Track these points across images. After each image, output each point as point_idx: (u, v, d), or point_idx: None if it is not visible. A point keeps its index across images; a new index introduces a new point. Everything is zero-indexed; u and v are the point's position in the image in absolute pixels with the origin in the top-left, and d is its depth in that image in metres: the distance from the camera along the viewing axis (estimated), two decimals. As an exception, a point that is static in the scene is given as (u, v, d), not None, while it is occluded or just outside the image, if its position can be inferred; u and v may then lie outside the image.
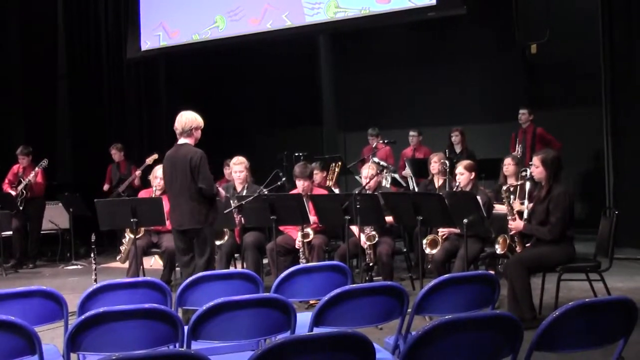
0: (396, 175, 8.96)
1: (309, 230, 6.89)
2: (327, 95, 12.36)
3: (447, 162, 7.63)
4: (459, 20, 9.48)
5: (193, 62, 12.32)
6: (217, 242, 7.02)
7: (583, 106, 9.91)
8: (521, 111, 9.12)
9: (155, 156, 9.64)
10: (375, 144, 9.70)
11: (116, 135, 11.81)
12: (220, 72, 12.24)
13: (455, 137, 9.38)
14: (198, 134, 5.79)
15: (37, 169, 9.56)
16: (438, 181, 7.73)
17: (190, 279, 4.11)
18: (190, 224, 5.67)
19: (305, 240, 6.84)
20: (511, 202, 6.01)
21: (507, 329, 2.80)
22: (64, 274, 9.30)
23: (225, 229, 7.07)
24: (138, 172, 10.08)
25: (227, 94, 12.26)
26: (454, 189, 6.68)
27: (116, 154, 10.64)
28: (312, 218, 6.79)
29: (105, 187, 10.53)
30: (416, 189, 8.38)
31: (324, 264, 4.92)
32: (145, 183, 9.20)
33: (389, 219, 6.63)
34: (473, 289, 3.74)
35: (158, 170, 7.50)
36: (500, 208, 6.38)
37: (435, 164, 7.72)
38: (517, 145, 9.06)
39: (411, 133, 9.82)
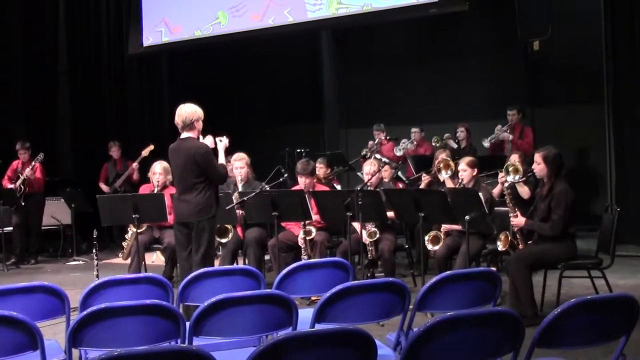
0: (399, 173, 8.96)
1: (311, 227, 6.90)
2: (329, 92, 12.35)
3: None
4: (461, 16, 9.46)
5: (195, 58, 12.32)
6: (223, 240, 7.02)
7: (585, 103, 9.89)
8: (509, 112, 9.11)
9: (151, 147, 9.64)
10: (377, 139, 9.70)
11: (118, 132, 11.81)
12: (222, 68, 12.23)
13: (461, 133, 9.37)
14: (199, 125, 5.77)
15: (34, 163, 9.55)
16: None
17: (192, 275, 4.11)
18: (192, 217, 5.67)
19: (307, 238, 6.84)
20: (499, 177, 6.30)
21: (508, 326, 2.80)
22: (66, 269, 9.32)
23: (229, 226, 7.05)
24: (135, 165, 10.08)
25: (229, 90, 12.25)
26: (457, 186, 6.68)
27: (116, 151, 10.64)
28: (315, 217, 6.79)
29: (104, 187, 10.50)
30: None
31: (326, 260, 4.93)
32: (143, 177, 9.19)
33: (390, 214, 6.64)
34: (474, 286, 3.74)
35: (156, 167, 7.49)
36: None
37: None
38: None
39: (413, 129, 9.81)
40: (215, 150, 5.84)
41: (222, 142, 5.95)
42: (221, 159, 5.88)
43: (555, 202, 5.42)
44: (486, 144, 9.14)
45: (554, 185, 5.48)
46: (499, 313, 2.92)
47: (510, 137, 8.94)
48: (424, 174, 7.94)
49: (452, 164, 6.84)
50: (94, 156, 11.39)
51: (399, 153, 9.56)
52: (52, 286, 3.78)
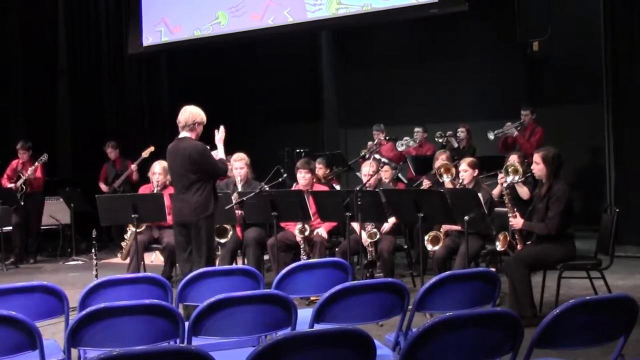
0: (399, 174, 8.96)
1: (306, 226, 6.90)
2: (329, 92, 12.35)
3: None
4: (461, 17, 9.46)
5: (195, 58, 12.33)
6: (222, 240, 7.01)
7: (584, 103, 9.90)
8: (523, 112, 9.10)
9: (152, 149, 9.64)
10: (377, 140, 9.69)
11: (117, 131, 11.82)
12: (221, 68, 12.24)
13: (461, 133, 9.34)
14: (200, 129, 5.79)
15: (36, 163, 9.55)
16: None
17: (191, 275, 4.11)
18: (190, 216, 5.67)
19: (302, 236, 6.84)
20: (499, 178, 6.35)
21: (507, 326, 2.80)
22: (65, 269, 9.32)
23: (228, 227, 7.05)
24: (134, 166, 10.08)
25: (229, 90, 12.26)
26: (457, 186, 6.69)
27: (112, 152, 10.62)
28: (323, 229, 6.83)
29: (103, 187, 10.50)
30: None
31: (325, 260, 4.93)
32: (143, 177, 9.20)
33: (392, 220, 6.66)
34: (474, 286, 3.74)
35: (156, 166, 7.49)
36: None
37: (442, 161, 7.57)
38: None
39: (416, 129, 9.78)
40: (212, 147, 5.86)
41: (219, 134, 5.94)
42: (220, 153, 5.87)
43: (552, 200, 5.42)
44: (491, 136, 9.13)
45: (552, 185, 5.48)
46: (498, 313, 2.92)
47: (515, 133, 8.94)
48: (425, 180, 7.90)
49: (452, 169, 6.85)
50: (93, 156, 11.38)
51: (400, 148, 9.53)
52: (51, 286, 3.78)
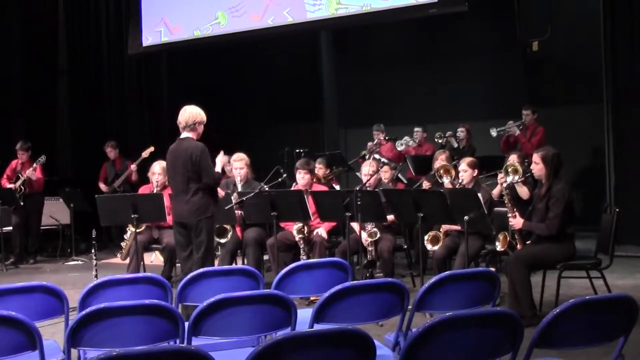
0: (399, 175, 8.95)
1: (304, 226, 6.90)
2: (328, 92, 12.36)
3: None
4: (460, 17, 9.46)
5: (194, 58, 12.33)
6: (222, 240, 7.02)
7: (584, 103, 9.90)
8: (524, 112, 9.09)
9: (152, 149, 9.65)
10: (376, 140, 9.70)
11: (117, 132, 11.82)
12: (221, 68, 12.24)
13: (461, 133, 9.34)
14: (201, 129, 5.80)
15: (34, 165, 9.55)
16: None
17: (191, 275, 4.11)
18: (190, 217, 5.68)
19: (300, 236, 6.84)
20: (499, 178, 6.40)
21: (507, 326, 2.80)
22: (65, 269, 9.32)
23: (227, 227, 7.05)
24: (134, 166, 10.08)
25: (229, 90, 12.26)
26: (456, 186, 6.69)
27: (112, 152, 10.62)
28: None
29: (103, 187, 10.51)
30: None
31: (325, 260, 4.93)
32: (143, 177, 9.20)
33: (390, 217, 6.65)
34: (473, 286, 3.74)
35: (155, 167, 7.50)
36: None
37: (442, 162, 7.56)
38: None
39: (416, 129, 9.78)
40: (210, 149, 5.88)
41: (220, 156, 6.05)
42: (217, 167, 5.91)
43: (552, 200, 5.42)
44: (493, 132, 9.12)
45: (552, 185, 5.48)
46: (498, 313, 2.92)
47: (517, 132, 8.95)
48: (424, 181, 7.90)
49: (452, 170, 6.87)
50: (93, 156, 11.39)
51: (400, 148, 9.54)
52: (51, 286, 3.78)
